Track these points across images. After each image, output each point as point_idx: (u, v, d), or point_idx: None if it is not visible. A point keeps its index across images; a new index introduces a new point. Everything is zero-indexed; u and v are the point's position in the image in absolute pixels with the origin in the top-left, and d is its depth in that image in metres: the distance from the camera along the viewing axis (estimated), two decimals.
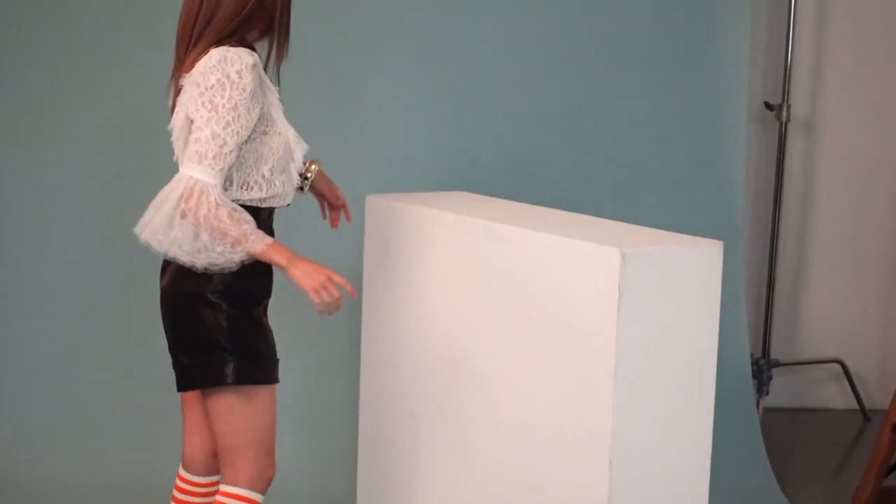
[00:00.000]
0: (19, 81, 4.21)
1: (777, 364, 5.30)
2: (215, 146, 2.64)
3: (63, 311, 4.22)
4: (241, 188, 2.76)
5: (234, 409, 2.79)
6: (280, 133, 2.77)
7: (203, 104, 2.65)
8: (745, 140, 4.82)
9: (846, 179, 5.63)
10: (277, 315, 2.94)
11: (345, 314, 3.82)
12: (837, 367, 5.62)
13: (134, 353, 4.16)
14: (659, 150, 4.69)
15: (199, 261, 2.68)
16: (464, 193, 3.67)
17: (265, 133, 2.75)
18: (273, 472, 2.89)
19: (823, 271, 5.67)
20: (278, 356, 2.87)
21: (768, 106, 5.27)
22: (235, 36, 2.72)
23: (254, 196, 2.77)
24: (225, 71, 2.64)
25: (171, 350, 2.85)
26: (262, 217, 2.81)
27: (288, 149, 2.80)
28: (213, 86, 2.64)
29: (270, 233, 2.85)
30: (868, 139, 5.62)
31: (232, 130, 2.65)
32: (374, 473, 3.52)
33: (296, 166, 2.84)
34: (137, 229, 2.70)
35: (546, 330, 2.91)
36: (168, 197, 2.66)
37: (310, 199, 3.13)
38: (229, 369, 2.76)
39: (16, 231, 4.24)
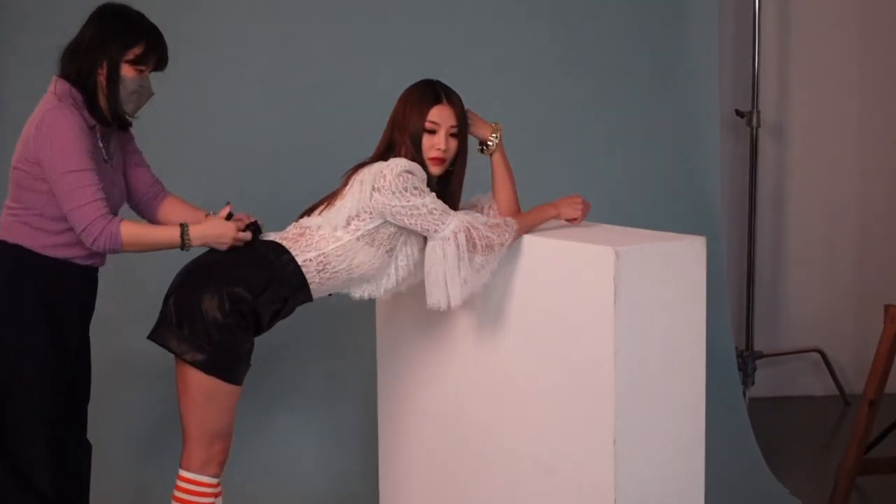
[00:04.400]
0: None
1: (760, 355, 5.50)
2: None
3: None
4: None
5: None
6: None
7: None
8: (718, 146, 5.05)
9: (815, 178, 5.85)
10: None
11: (359, 337, 4.07)
12: (817, 356, 5.83)
13: None
14: (639, 160, 4.92)
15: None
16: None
17: None
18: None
19: (799, 266, 5.89)
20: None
21: (739, 113, 5.51)
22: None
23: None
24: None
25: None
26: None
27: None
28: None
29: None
30: (834, 140, 5.85)
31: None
32: (393, 464, 3.73)
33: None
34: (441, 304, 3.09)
35: (550, 324, 3.13)
36: (445, 257, 3.06)
37: None
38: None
39: None
